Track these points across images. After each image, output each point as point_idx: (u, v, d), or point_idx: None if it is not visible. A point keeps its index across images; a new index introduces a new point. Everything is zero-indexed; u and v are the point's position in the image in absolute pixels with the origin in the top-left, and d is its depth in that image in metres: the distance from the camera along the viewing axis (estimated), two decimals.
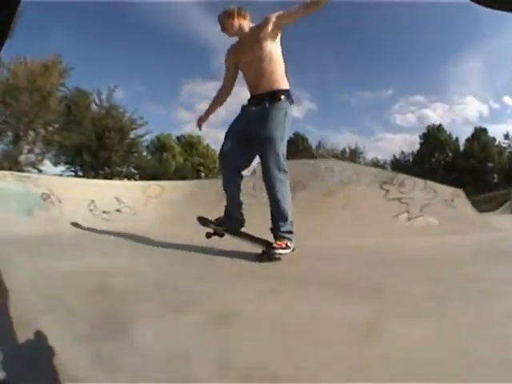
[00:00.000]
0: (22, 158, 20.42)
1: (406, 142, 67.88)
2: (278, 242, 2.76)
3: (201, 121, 3.49)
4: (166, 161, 27.12)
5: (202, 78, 77.24)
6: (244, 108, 3.14)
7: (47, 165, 21.49)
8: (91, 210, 6.45)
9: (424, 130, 44.00)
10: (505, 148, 43.71)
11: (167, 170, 25.61)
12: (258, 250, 2.84)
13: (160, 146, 28.49)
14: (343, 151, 43.15)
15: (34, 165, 20.78)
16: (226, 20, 3.06)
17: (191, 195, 7.02)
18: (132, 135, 24.67)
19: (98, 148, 22.15)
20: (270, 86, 2.99)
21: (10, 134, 20.98)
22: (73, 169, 22.80)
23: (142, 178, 21.71)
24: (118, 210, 6.68)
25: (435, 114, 59.76)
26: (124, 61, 56.16)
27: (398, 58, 64.34)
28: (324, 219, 5.15)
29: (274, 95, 2.96)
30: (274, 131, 2.86)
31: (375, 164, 41.60)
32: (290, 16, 2.95)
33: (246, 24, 3.09)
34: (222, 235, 3.29)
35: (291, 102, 3.03)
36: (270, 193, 2.87)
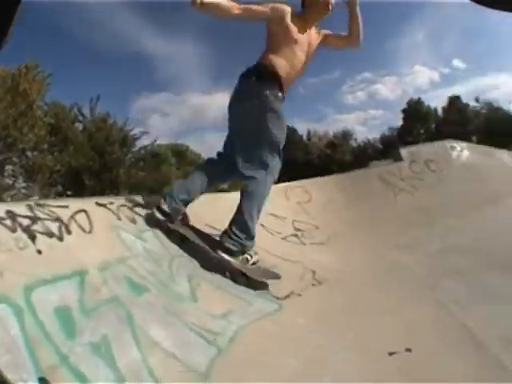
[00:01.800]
0: (4, 196, 16.19)
1: (360, 120, 69.35)
2: None
3: None
4: (165, 174, 23.82)
5: (148, 91, 73.46)
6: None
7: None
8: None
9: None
10: (479, 110, 45.21)
11: (168, 182, 22.33)
12: None
13: (160, 159, 25.08)
14: (336, 136, 42.38)
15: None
16: None
17: (341, 191, 5.64)
18: (135, 147, 21.05)
19: (101, 168, 18.53)
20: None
21: None
22: None
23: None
24: (299, 230, 4.39)
25: (386, 88, 60.79)
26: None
27: None
28: None
29: None
30: None
31: (368, 143, 42.38)
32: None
33: None
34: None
35: None
36: None
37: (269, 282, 2.64)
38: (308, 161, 38.90)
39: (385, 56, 69.56)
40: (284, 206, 4.92)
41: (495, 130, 40.30)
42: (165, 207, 2.72)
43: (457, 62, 75.04)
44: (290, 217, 4.64)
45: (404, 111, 44.18)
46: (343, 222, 4.75)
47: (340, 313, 2.35)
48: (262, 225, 4.13)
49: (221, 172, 3.06)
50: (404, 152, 6.43)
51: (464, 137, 10.54)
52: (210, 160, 3.17)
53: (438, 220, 4.53)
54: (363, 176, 6.22)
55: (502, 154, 7.73)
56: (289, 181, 6.06)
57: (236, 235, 2.64)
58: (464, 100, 45.87)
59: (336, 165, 35.34)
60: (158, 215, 2.71)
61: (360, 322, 2.19)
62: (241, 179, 2.86)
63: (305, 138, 42.20)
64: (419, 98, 45.00)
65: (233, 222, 2.71)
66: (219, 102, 61.94)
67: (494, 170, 6.59)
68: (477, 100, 45.78)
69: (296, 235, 4.31)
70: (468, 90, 66.89)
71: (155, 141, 23.84)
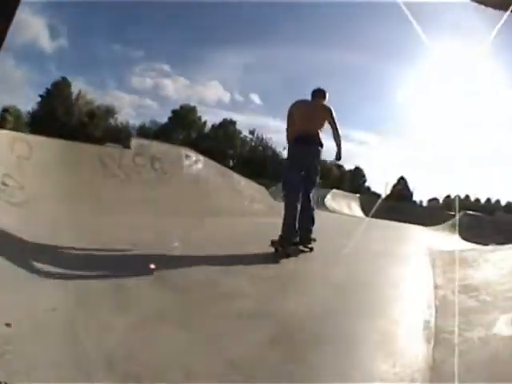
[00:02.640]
0: None
1: (134, 105, 73.04)
2: None
3: None
4: None
5: None
6: None
7: None
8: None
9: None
10: (248, 141, 49.95)
11: None
12: None
13: None
14: (99, 107, 40.76)
15: None
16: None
17: (61, 158, 5.67)
18: None
19: None
20: None
21: None
22: None
23: None
24: (4, 184, 4.46)
25: (174, 86, 64.55)
26: None
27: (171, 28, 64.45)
28: None
29: None
30: None
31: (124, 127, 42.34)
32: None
33: None
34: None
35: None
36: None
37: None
38: (66, 120, 36.41)
39: (199, 59, 69.84)
40: (4, 157, 4.81)
41: (255, 163, 43.43)
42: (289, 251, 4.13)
43: (254, 96, 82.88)
44: (3, 169, 4.54)
45: (173, 112, 45.62)
46: (49, 187, 4.82)
47: None
48: None
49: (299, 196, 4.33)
50: (135, 142, 6.57)
51: (220, 156, 12.29)
52: (292, 199, 4.27)
53: (132, 211, 5.02)
54: (86, 151, 6.16)
55: (241, 180, 8.62)
56: (33, 133, 5.65)
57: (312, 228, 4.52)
58: (241, 129, 48.84)
59: (85, 135, 33.86)
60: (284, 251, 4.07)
61: None
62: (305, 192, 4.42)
63: (74, 96, 39.05)
64: (194, 107, 47.28)
65: (311, 222, 4.46)
66: None
67: (223, 189, 7.46)
68: (251, 132, 50.05)
69: None
70: (252, 124, 69.92)
71: None
